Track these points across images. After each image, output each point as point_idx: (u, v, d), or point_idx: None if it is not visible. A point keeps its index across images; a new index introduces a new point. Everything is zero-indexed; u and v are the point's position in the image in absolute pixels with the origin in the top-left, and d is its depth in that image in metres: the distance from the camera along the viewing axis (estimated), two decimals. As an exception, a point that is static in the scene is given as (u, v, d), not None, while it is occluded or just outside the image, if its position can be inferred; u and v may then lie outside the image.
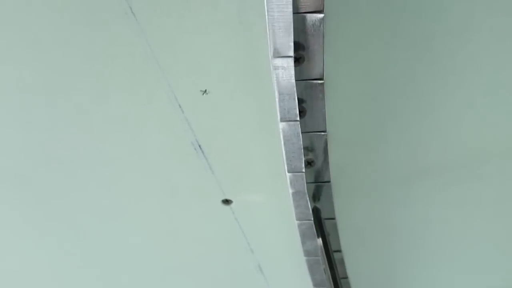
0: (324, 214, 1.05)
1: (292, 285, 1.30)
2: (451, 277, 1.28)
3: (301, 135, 0.79)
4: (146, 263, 1.27)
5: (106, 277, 1.34)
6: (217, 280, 1.35)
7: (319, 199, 1.04)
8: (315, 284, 1.20)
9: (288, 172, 0.87)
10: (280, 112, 0.76)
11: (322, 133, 0.86)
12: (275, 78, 0.70)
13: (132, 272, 1.30)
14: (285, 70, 0.69)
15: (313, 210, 1.01)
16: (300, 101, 0.79)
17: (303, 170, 0.86)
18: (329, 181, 0.97)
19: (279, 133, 0.80)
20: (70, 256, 1.26)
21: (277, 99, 0.74)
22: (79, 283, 1.35)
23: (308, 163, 0.92)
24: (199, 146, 0.94)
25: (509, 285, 1.30)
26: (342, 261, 1.20)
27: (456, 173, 0.99)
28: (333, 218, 1.09)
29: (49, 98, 0.86)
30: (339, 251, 1.18)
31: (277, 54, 0.67)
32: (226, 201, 1.08)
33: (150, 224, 1.15)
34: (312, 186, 0.99)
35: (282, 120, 0.77)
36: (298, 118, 0.76)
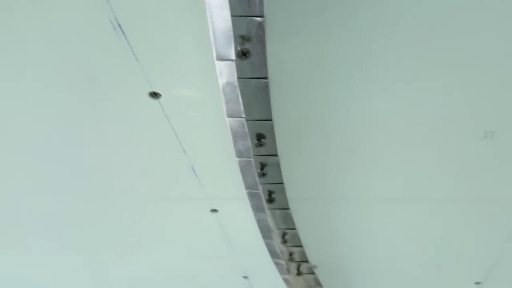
0: (260, 115, 0.98)
1: (226, 188, 1.27)
2: (384, 182, 1.28)
3: (231, 18, 0.69)
4: (67, 162, 1.18)
5: (33, 179, 1.25)
6: (149, 179, 1.29)
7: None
8: (247, 187, 1.16)
9: (217, 59, 0.78)
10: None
11: (259, 19, 0.76)
12: None
13: (58, 172, 1.22)
14: None
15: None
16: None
17: (233, 58, 0.77)
18: (266, 77, 0.89)
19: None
20: None
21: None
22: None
23: (243, 54, 0.82)
24: (119, 25, 0.82)
25: (447, 197, 1.31)
26: (278, 166, 1.16)
27: (400, 73, 0.93)
28: (270, 120, 1.02)
29: None
30: (275, 155, 1.13)
31: None
32: (154, 94, 0.98)
33: (70, 115, 1.04)
34: (248, 81, 0.90)
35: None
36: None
